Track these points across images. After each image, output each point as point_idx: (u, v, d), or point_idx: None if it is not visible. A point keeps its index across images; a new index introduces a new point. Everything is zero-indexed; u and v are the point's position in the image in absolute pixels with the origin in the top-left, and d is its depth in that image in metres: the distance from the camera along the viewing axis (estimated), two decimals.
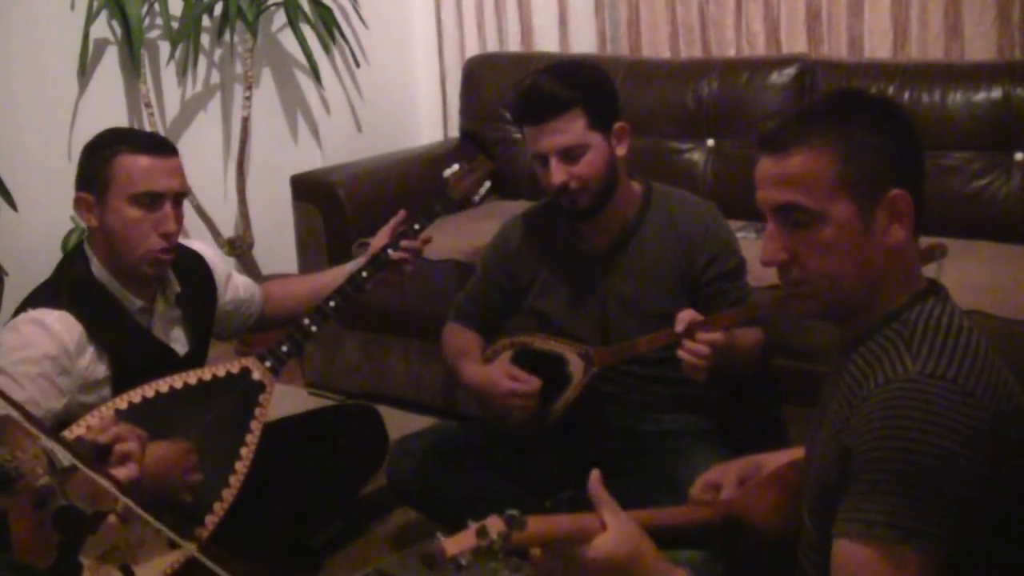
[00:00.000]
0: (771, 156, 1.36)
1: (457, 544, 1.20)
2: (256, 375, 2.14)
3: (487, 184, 2.55)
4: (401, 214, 2.43)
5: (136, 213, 2.01)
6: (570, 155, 2.16)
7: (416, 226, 2.37)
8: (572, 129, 2.15)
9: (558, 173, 2.16)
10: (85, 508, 1.57)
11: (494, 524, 1.22)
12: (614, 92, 2.27)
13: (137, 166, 2.01)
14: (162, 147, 2.08)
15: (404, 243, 2.37)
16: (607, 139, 2.20)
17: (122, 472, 1.72)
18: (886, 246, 1.34)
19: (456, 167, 2.50)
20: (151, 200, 2.01)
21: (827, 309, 1.41)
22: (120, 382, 2.02)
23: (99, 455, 1.73)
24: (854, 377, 1.35)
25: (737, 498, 1.66)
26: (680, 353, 2.01)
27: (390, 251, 2.34)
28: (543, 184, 2.24)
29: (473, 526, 1.22)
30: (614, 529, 1.34)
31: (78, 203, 2.05)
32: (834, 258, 1.35)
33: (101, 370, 2.02)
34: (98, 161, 2.03)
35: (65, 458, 1.46)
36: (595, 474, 1.38)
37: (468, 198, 2.54)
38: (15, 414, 1.44)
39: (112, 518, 1.60)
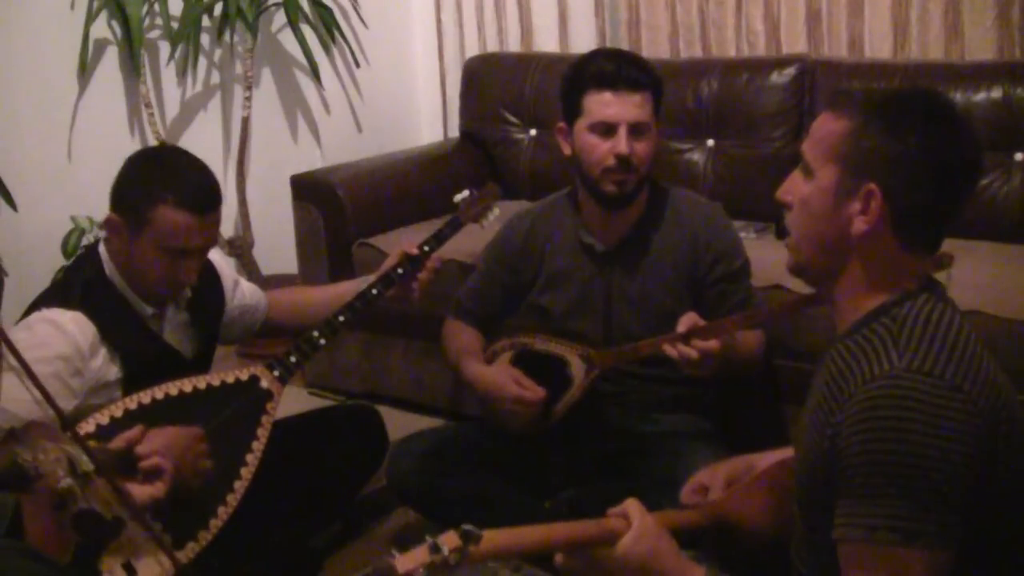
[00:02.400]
0: (825, 111, 1.43)
1: (409, 561, 1.20)
2: (264, 383, 2.15)
3: (496, 211, 2.58)
4: (415, 249, 2.42)
5: (163, 260, 2.01)
6: (638, 131, 2.19)
7: (427, 248, 2.39)
8: (647, 108, 2.20)
9: (625, 143, 2.17)
10: (105, 513, 1.57)
11: (448, 539, 1.22)
12: None
13: (178, 223, 1.98)
14: (206, 204, 2.03)
15: (420, 274, 2.39)
16: (657, 132, 2.24)
17: (148, 489, 1.73)
18: (850, 234, 1.36)
19: (467, 193, 2.52)
20: (181, 253, 2.02)
21: (796, 269, 1.47)
22: (131, 384, 2.02)
23: (124, 464, 1.73)
24: (838, 367, 1.35)
25: (725, 501, 1.66)
26: (668, 349, 2.01)
27: (399, 270, 2.36)
28: (590, 158, 2.22)
29: (428, 541, 1.22)
30: (636, 526, 1.40)
31: (109, 222, 2.03)
32: (804, 218, 1.41)
33: (113, 371, 2.02)
34: (141, 197, 2.00)
35: (87, 462, 1.46)
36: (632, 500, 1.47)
37: (477, 223, 2.56)
38: (50, 413, 1.44)
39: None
